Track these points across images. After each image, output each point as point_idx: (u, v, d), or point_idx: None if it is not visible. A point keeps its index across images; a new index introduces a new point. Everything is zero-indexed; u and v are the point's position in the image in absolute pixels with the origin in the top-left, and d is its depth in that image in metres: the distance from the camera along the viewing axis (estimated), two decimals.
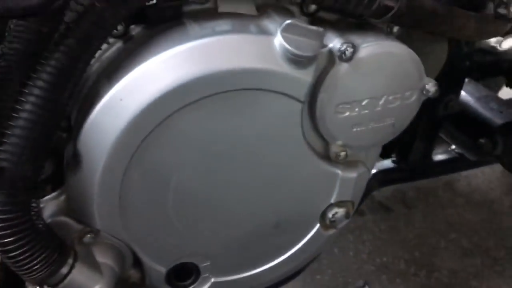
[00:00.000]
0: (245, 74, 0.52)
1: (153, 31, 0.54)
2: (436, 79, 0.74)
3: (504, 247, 1.45)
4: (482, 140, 0.99)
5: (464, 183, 1.65)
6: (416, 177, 1.05)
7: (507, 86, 1.17)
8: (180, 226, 0.59)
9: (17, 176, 0.48)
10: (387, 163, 1.00)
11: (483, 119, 0.98)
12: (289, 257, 0.67)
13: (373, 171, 0.95)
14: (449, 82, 0.86)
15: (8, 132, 0.47)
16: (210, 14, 0.55)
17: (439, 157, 1.04)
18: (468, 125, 1.00)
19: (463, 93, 1.01)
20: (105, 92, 0.51)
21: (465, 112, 1.00)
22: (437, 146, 1.13)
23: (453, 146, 1.08)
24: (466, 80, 1.06)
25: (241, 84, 0.53)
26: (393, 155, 0.99)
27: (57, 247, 0.53)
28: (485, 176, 1.65)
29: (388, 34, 0.60)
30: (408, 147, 0.97)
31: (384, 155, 1.00)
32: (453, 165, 1.06)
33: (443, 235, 1.49)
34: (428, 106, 0.89)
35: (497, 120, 0.97)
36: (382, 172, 0.98)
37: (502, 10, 0.64)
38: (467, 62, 0.87)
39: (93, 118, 0.51)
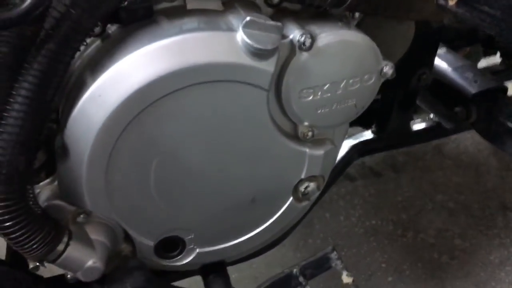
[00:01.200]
0: (213, 68, 0.57)
1: (127, 29, 0.60)
2: (408, 54, 0.79)
3: (488, 206, 1.52)
4: (457, 109, 1.04)
5: (453, 146, 1.70)
6: (394, 146, 1.11)
7: (484, 55, 1.21)
8: (163, 204, 0.66)
9: (12, 168, 0.54)
10: (367, 134, 1.05)
11: (458, 89, 1.02)
12: (266, 228, 0.74)
13: (354, 142, 1.01)
14: (420, 56, 0.91)
15: (1, 129, 0.53)
16: (180, 11, 0.60)
17: (417, 126, 1.10)
18: (444, 94, 1.05)
19: (441, 63, 1.05)
20: (87, 87, 0.57)
21: (441, 82, 1.04)
22: (418, 115, 1.18)
23: (432, 115, 1.13)
24: (445, 50, 1.10)
25: (210, 76, 0.58)
26: (372, 126, 1.05)
27: (53, 228, 0.60)
28: (474, 138, 1.70)
29: (346, 22, 0.64)
30: (386, 118, 1.02)
31: (364, 126, 1.06)
32: (431, 133, 1.11)
33: (430, 197, 1.55)
34: (403, 80, 0.94)
35: (471, 89, 1.01)
36: (362, 143, 1.03)
37: None
38: (436, 37, 0.90)
39: (77, 112, 0.57)
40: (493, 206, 1.52)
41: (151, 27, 0.58)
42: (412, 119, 1.09)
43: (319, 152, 0.69)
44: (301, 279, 0.67)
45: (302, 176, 0.70)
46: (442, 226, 1.49)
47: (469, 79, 1.04)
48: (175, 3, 0.61)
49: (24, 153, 0.55)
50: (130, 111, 0.57)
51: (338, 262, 0.67)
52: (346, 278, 0.67)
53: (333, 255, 0.69)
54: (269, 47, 0.56)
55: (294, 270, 0.68)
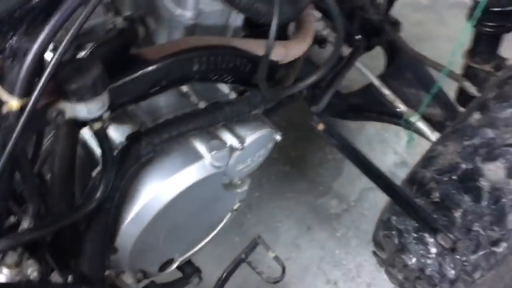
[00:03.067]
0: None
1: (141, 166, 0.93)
2: None
3: None
4: None
5: None
6: None
7: None
8: (165, 249, 1.07)
9: None
10: None
11: None
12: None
13: None
14: None
15: None
16: None
17: None
18: None
19: None
20: (130, 211, 0.92)
21: None
22: None
23: None
24: None
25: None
26: None
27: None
28: None
29: (260, 119, 1.05)
30: None
31: None
32: None
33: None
34: None
35: None
36: None
37: None
38: None
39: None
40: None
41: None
42: None
43: (244, 187, 1.14)
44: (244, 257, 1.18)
45: (235, 206, 1.17)
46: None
47: None
48: None
49: None
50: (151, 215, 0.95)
51: (263, 244, 1.19)
52: (271, 254, 1.20)
53: (260, 240, 1.20)
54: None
55: (242, 255, 1.18)
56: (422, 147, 1.47)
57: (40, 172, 0.95)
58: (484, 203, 1.12)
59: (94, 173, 0.93)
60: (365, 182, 2.00)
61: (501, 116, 1.12)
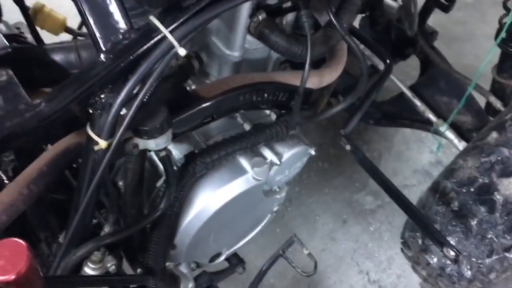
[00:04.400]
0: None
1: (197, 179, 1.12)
2: None
3: None
4: None
5: None
6: None
7: None
8: (213, 244, 1.27)
9: None
10: None
11: None
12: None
13: None
14: None
15: None
16: None
17: None
18: None
19: None
20: (186, 217, 1.12)
21: None
22: None
23: None
24: None
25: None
26: None
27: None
28: None
29: (297, 137, 1.22)
30: None
31: None
32: None
33: None
34: None
35: None
36: None
37: None
38: None
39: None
40: None
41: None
42: None
43: (283, 194, 1.32)
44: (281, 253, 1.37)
45: (275, 208, 1.35)
46: (320, 140, 2.23)
47: None
48: None
49: None
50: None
51: (299, 242, 1.37)
52: (305, 251, 1.38)
53: (295, 238, 1.38)
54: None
55: (280, 251, 1.36)
56: (457, 149, 1.60)
57: (114, 181, 1.15)
58: (497, 214, 1.25)
59: (158, 184, 1.13)
60: (399, 180, 2.13)
61: None
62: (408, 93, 1.70)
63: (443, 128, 1.60)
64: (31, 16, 1.13)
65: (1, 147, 0.80)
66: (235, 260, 1.43)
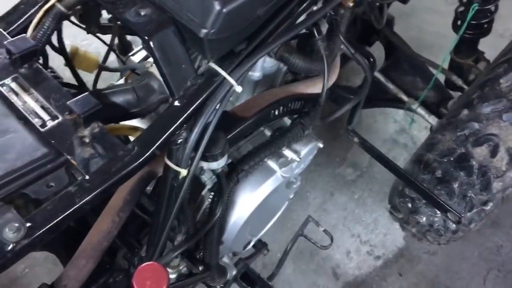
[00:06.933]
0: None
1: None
2: None
3: None
4: None
5: None
6: None
7: None
8: (248, 236, 1.47)
9: None
10: None
11: None
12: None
13: None
14: None
15: None
16: None
17: None
18: None
19: None
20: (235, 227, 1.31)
21: None
22: None
23: None
24: None
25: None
26: None
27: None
28: None
29: (310, 135, 1.43)
30: None
31: None
32: None
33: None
34: None
35: None
36: None
37: None
38: None
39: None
40: None
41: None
42: None
43: (298, 183, 1.54)
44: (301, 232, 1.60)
45: (292, 195, 1.57)
46: None
47: None
48: None
49: None
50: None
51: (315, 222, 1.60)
52: (321, 228, 1.61)
53: (311, 219, 1.61)
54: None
55: (299, 231, 1.59)
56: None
57: None
58: (474, 176, 1.53)
59: (203, 193, 1.31)
60: None
61: (483, 112, 1.51)
62: (381, 77, 1.95)
63: (415, 106, 1.87)
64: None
65: (112, 191, 0.96)
66: (260, 245, 1.65)
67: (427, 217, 1.68)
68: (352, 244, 2.18)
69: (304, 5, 1.13)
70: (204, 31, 0.93)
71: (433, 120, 1.84)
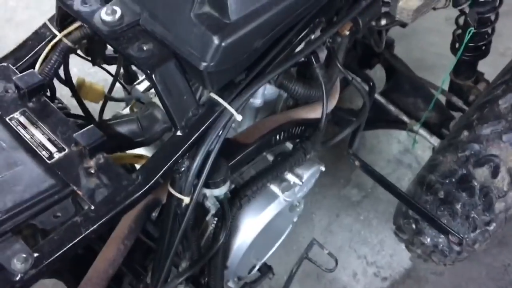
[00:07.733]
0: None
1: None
2: None
3: None
4: None
5: None
6: None
7: None
8: (252, 260, 1.49)
9: None
10: None
11: None
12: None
13: None
14: None
15: None
16: None
17: None
18: None
19: None
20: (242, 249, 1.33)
21: None
22: None
23: None
24: None
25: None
26: None
27: None
28: None
29: (313, 158, 1.45)
30: None
31: None
32: None
33: None
34: None
35: None
36: None
37: None
38: None
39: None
40: None
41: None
42: None
43: (302, 206, 1.56)
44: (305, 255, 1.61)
45: (296, 218, 1.58)
46: None
47: None
48: None
49: None
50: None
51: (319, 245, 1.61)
52: (325, 251, 1.62)
53: (315, 242, 1.62)
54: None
55: (304, 254, 1.61)
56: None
57: None
58: (476, 197, 1.54)
59: (207, 218, 1.33)
60: (377, 170, 2.42)
61: (483, 133, 1.53)
62: (381, 99, 1.98)
63: (416, 127, 1.89)
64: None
65: (117, 220, 0.99)
66: (265, 268, 1.66)
67: (431, 238, 1.68)
68: (358, 266, 2.18)
69: (302, 34, 1.16)
70: (204, 64, 0.97)
71: (435, 141, 1.86)
